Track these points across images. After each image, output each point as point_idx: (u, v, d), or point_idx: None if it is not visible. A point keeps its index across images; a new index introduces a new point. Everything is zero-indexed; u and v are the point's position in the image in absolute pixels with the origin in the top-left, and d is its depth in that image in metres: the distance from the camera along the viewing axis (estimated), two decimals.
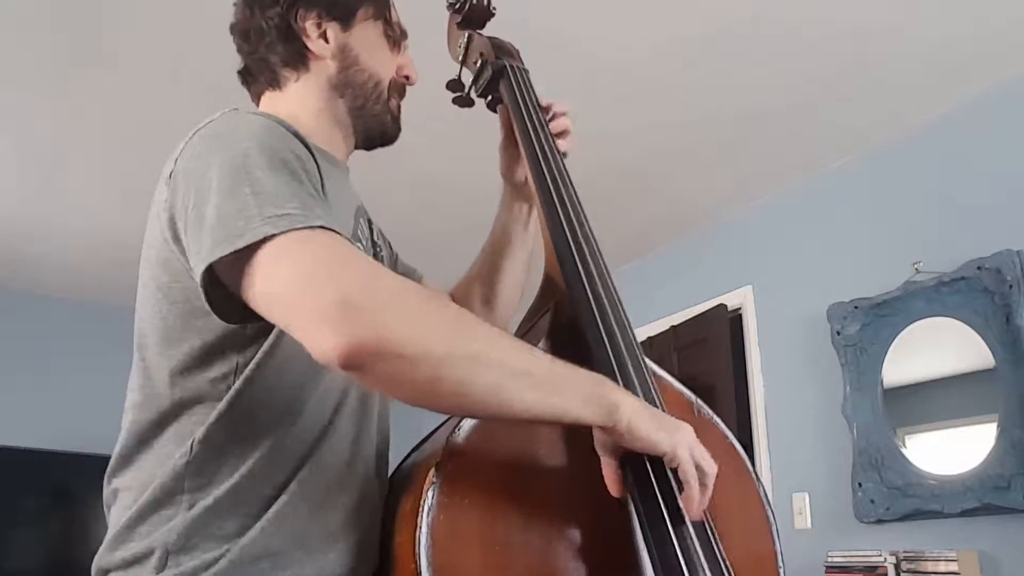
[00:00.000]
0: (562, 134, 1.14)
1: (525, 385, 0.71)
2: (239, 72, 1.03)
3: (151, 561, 0.77)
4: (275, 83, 1.00)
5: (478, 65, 1.22)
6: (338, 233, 0.73)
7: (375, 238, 1.02)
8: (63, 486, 3.86)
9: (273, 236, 0.70)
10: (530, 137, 1.10)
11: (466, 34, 1.24)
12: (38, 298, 4.35)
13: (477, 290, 1.22)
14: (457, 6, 1.24)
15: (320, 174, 0.83)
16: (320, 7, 0.98)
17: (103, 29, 2.33)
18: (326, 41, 0.98)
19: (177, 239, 0.79)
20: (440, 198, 3.37)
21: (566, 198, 1.03)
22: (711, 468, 0.78)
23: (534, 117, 1.12)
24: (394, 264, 1.17)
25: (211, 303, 0.76)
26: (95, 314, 4.27)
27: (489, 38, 1.23)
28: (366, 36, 1.01)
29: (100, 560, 0.81)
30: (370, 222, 1.03)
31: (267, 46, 0.98)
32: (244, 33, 1.00)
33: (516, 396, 0.71)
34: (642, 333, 3.68)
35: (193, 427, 0.80)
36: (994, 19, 2.30)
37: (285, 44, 0.98)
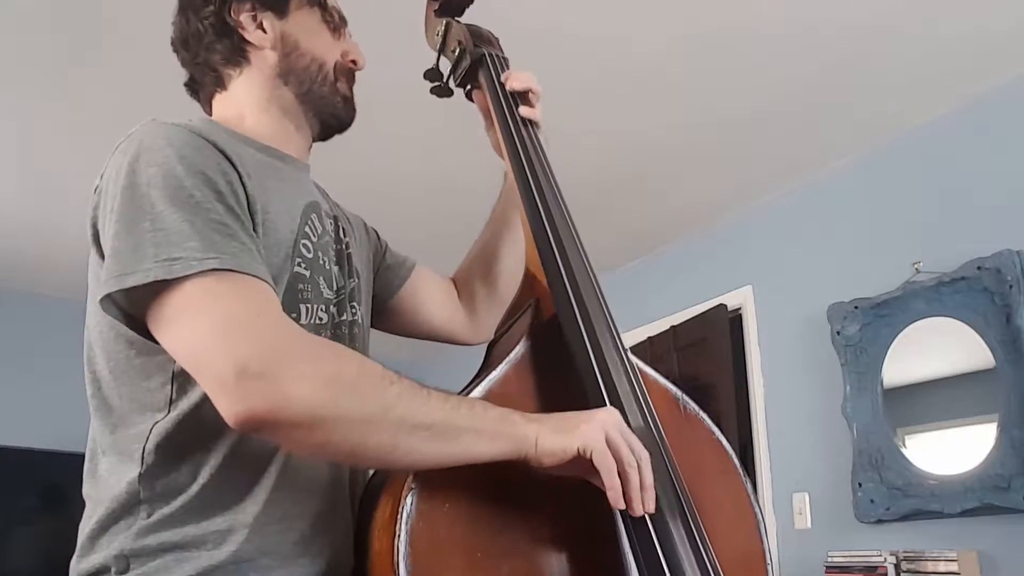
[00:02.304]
0: (527, 97, 1.10)
1: (422, 439, 0.73)
2: (185, 84, 1.04)
3: (112, 568, 0.77)
4: (220, 84, 1.00)
5: (456, 54, 1.19)
6: (238, 272, 0.74)
7: (340, 233, 1.00)
8: (62, 486, 3.86)
9: (166, 284, 0.72)
10: (509, 128, 1.08)
11: (444, 22, 1.21)
12: (38, 298, 4.34)
13: (477, 274, 1.21)
14: None
15: (243, 182, 0.82)
16: (252, 0, 0.98)
17: (103, 29, 2.33)
18: (264, 31, 0.98)
19: (100, 252, 0.81)
20: (434, 196, 3.36)
21: (547, 191, 1.01)
22: (638, 452, 0.78)
23: (514, 107, 1.10)
24: (382, 255, 1.16)
25: (127, 320, 0.79)
26: None
27: (467, 26, 1.20)
28: (304, 22, 1.00)
29: (72, 570, 0.81)
30: (335, 218, 1.00)
31: (206, 47, 0.99)
32: (184, 42, 1.01)
33: (413, 451, 0.73)
34: (642, 333, 3.68)
35: (140, 436, 0.80)
36: (994, 19, 2.30)
37: (223, 41, 0.98)
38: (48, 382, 4.19)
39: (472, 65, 1.16)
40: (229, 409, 0.69)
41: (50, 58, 2.45)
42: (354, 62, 1.05)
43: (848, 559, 2.64)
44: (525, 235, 1.01)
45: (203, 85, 1.02)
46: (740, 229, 3.45)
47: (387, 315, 1.17)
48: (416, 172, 3.13)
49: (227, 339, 0.70)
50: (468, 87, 1.20)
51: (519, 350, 0.88)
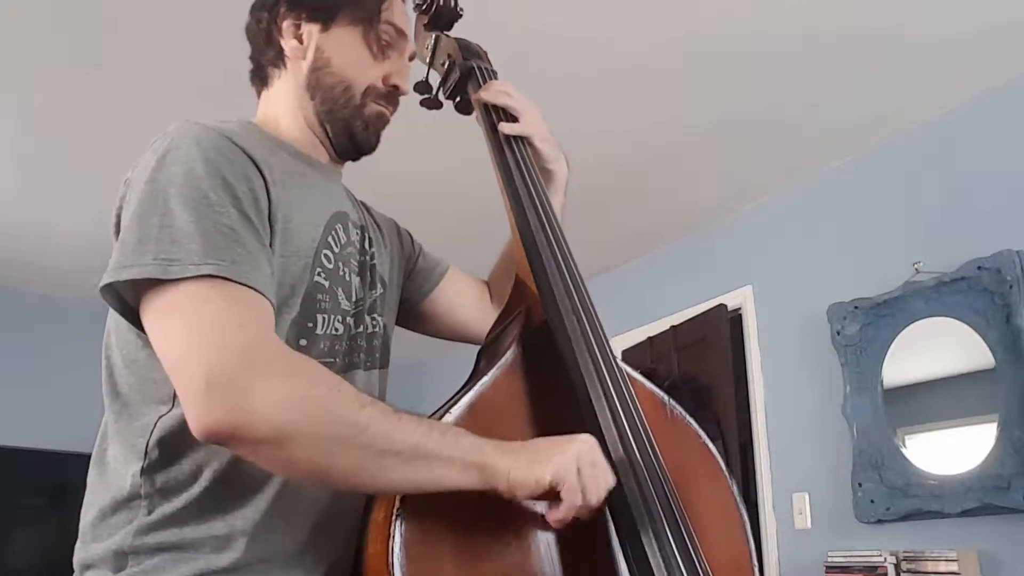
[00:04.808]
0: (509, 114, 1.10)
1: (390, 465, 0.72)
2: (249, 72, 1.05)
3: (110, 562, 0.78)
4: (265, 82, 1.02)
5: (445, 67, 1.21)
6: (233, 281, 0.74)
7: (365, 244, 1.00)
8: (63, 486, 3.86)
9: (160, 282, 0.73)
10: (498, 139, 1.09)
11: (433, 35, 1.23)
12: (38, 298, 4.35)
13: (506, 277, 1.21)
14: (424, 7, 1.22)
15: (268, 189, 0.83)
16: (301, 8, 0.98)
17: (103, 29, 2.33)
18: (300, 42, 0.98)
19: None
20: (448, 199, 3.36)
21: (536, 202, 1.02)
22: (606, 481, 0.78)
23: (502, 119, 1.11)
24: (415, 260, 1.16)
25: (123, 310, 0.79)
26: (95, 314, 4.25)
27: (456, 39, 1.22)
28: (343, 40, 0.99)
29: (76, 556, 0.83)
30: (362, 228, 1.01)
31: (257, 47, 1.01)
32: (246, 34, 1.03)
33: (379, 476, 0.72)
34: (642, 333, 3.68)
35: (145, 429, 0.80)
36: (994, 19, 2.30)
37: (268, 44, 1.00)
38: (46, 382, 4.20)
39: (461, 78, 1.18)
40: (194, 418, 0.69)
41: (50, 59, 2.46)
42: (395, 86, 1.01)
43: (848, 559, 2.64)
44: (515, 243, 1.02)
45: (253, 79, 1.04)
46: (740, 229, 3.45)
47: (419, 318, 1.17)
48: (429, 174, 3.13)
49: (202, 346, 0.70)
50: (457, 99, 1.22)
51: (509, 356, 0.88)
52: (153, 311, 0.75)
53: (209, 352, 0.70)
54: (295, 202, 0.87)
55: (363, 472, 0.72)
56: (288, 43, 0.98)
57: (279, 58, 0.99)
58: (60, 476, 3.81)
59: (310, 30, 0.98)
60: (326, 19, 0.98)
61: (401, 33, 1.03)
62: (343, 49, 0.99)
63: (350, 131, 1.00)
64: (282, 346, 0.76)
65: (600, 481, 0.77)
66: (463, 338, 1.21)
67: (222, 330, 0.72)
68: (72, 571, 0.83)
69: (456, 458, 0.73)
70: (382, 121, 1.02)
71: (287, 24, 0.98)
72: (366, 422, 0.72)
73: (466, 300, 1.20)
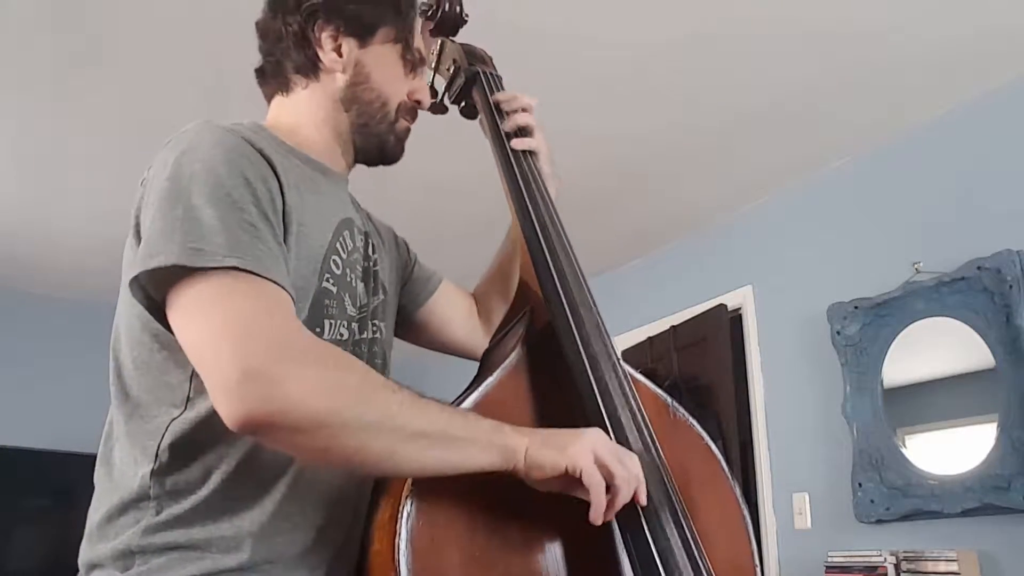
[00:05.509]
0: (525, 130, 1.12)
1: (419, 447, 0.74)
2: (255, 70, 1.04)
3: (117, 562, 0.78)
4: (285, 88, 1.01)
5: (451, 72, 1.23)
6: (257, 275, 0.75)
7: (369, 250, 1.01)
8: (63, 486, 3.86)
9: (188, 271, 0.73)
10: (503, 143, 1.11)
11: (438, 41, 1.24)
12: (38, 298, 4.35)
13: (494, 291, 1.23)
14: (429, 13, 1.23)
15: (283, 192, 0.84)
16: (340, 21, 0.98)
17: (103, 29, 2.33)
18: (339, 55, 0.98)
19: (139, 241, 0.82)
20: (447, 201, 3.36)
21: (540, 204, 1.03)
22: (629, 467, 0.79)
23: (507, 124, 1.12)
24: (411, 269, 1.17)
25: (149, 305, 0.80)
26: (95, 314, 4.25)
27: (461, 44, 1.24)
28: (382, 56, 1.00)
29: (81, 556, 0.83)
30: (366, 234, 1.02)
31: (283, 51, 1.00)
32: (264, 33, 1.01)
33: (410, 458, 0.74)
34: (642, 333, 3.68)
35: (156, 432, 0.81)
36: (994, 19, 2.30)
37: (299, 52, 0.99)
38: (46, 382, 4.20)
39: (466, 83, 1.20)
40: (229, 409, 0.70)
41: (50, 59, 2.46)
42: (419, 102, 1.05)
43: (848, 559, 2.64)
44: (519, 246, 1.03)
45: (268, 81, 1.03)
46: (740, 229, 3.45)
47: (412, 328, 1.18)
48: (418, 173, 3.12)
49: (233, 338, 0.71)
50: (463, 104, 1.24)
51: (513, 358, 0.89)
52: (179, 304, 0.75)
53: (240, 344, 0.70)
54: (307, 207, 0.88)
55: (395, 456, 0.74)
56: (327, 56, 0.98)
57: (311, 68, 0.99)
58: (61, 476, 3.82)
59: (349, 44, 0.98)
60: (365, 35, 0.99)
61: (422, 57, 1.06)
62: (382, 66, 1.00)
63: (382, 144, 1.02)
64: (311, 336, 0.77)
65: (625, 459, 0.79)
66: (451, 351, 1.22)
67: (251, 322, 0.72)
68: (75, 571, 0.83)
69: (479, 439, 0.76)
70: (407, 134, 1.05)
71: (326, 36, 0.98)
72: (398, 407, 0.74)
73: (457, 314, 1.21)
